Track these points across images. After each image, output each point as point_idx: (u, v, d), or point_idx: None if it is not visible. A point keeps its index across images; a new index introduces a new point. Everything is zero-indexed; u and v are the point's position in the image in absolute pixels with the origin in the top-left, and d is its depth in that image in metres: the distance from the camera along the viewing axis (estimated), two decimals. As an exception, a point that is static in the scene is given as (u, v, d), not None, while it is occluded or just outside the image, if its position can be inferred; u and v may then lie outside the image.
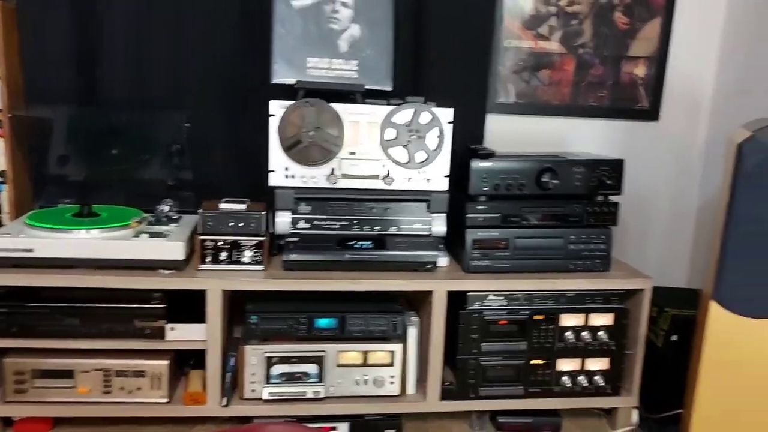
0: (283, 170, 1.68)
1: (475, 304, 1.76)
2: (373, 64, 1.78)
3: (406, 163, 1.72)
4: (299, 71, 1.73)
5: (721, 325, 1.69)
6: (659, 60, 2.23)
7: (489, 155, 1.78)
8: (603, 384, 1.82)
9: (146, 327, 1.64)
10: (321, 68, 1.75)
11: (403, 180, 1.73)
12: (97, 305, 1.63)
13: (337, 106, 1.66)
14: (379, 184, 1.72)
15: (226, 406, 1.68)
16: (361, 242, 1.73)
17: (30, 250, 1.58)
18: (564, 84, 2.21)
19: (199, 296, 1.62)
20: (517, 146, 2.09)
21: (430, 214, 1.75)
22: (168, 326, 1.65)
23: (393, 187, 1.72)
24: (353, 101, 1.71)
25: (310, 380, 1.71)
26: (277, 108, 1.65)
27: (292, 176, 1.68)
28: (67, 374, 1.64)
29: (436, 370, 1.75)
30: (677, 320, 2.00)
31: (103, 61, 1.93)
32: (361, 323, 1.72)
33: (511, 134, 2.19)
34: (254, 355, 1.68)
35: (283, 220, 1.69)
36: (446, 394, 1.77)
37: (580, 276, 1.80)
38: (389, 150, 1.70)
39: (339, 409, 1.73)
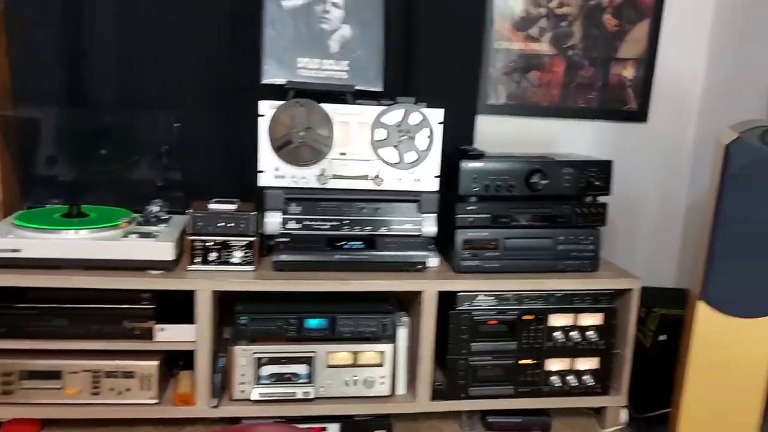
0: (273, 170, 1.67)
1: (465, 305, 1.77)
2: (364, 64, 1.78)
3: (397, 163, 1.72)
4: (289, 71, 1.73)
5: (708, 325, 1.70)
6: (648, 61, 2.24)
7: (479, 156, 1.79)
8: (592, 383, 1.83)
9: (135, 328, 1.63)
10: (311, 69, 1.75)
11: (394, 180, 1.73)
12: (85, 306, 1.62)
13: (328, 107, 1.66)
14: (369, 185, 1.72)
15: (215, 406, 1.68)
16: (351, 243, 1.73)
17: (18, 251, 1.57)
18: (553, 85, 2.22)
19: (188, 297, 1.61)
20: (507, 147, 2.09)
21: (421, 214, 1.75)
22: (157, 327, 1.64)
23: (383, 187, 1.72)
24: (343, 102, 1.71)
25: (299, 381, 1.70)
26: (267, 108, 1.64)
27: (282, 176, 1.68)
28: (56, 375, 1.63)
29: (427, 371, 1.76)
30: (665, 320, 2.01)
31: (92, 62, 1.92)
32: (351, 324, 1.72)
33: (501, 135, 2.19)
34: (244, 355, 1.67)
35: (273, 221, 1.69)
36: (436, 395, 1.78)
37: (569, 276, 1.81)
38: (379, 150, 1.71)
39: (329, 410, 1.73)
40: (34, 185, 1.91)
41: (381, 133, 1.70)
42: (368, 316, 1.72)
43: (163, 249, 1.63)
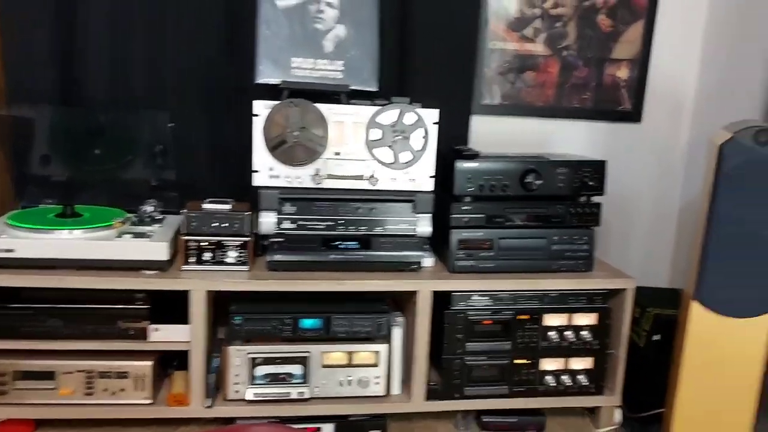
0: (267, 170, 1.67)
1: (460, 304, 1.77)
2: (358, 64, 1.78)
3: (391, 163, 1.72)
4: (284, 71, 1.73)
5: (702, 324, 1.71)
6: (642, 62, 2.25)
7: (474, 156, 1.79)
8: (586, 383, 1.83)
9: (129, 328, 1.63)
10: (306, 68, 1.75)
11: (388, 180, 1.73)
12: (79, 306, 1.62)
13: (322, 107, 1.66)
14: (364, 185, 1.72)
15: (210, 407, 1.67)
16: (346, 243, 1.73)
17: (11, 251, 1.57)
18: (548, 86, 2.22)
19: (182, 297, 1.61)
20: (502, 147, 2.10)
21: (416, 214, 1.75)
22: (151, 327, 1.64)
23: (378, 187, 1.73)
24: (338, 101, 1.71)
25: (294, 381, 1.70)
26: (261, 108, 1.64)
27: (277, 176, 1.68)
28: (49, 375, 1.62)
29: (421, 370, 1.76)
30: (659, 320, 2.02)
31: (86, 61, 1.92)
32: (346, 324, 1.72)
33: (496, 135, 2.20)
34: (238, 356, 1.67)
35: (267, 221, 1.69)
36: (431, 394, 1.78)
37: (564, 276, 1.81)
38: (374, 150, 1.71)
39: (324, 410, 1.73)
40: (28, 185, 1.90)
41: (376, 133, 1.70)
42: (363, 316, 1.72)
43: (157, 249, 1.62)
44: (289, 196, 1.69)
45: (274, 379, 1.69)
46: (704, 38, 2.28)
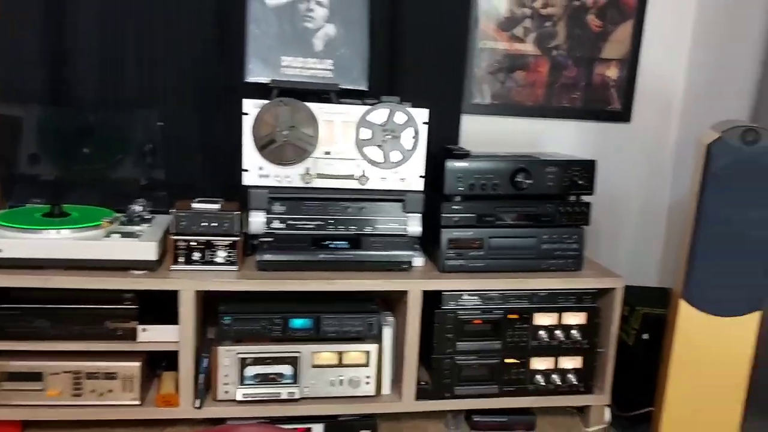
0: (257, 170, 1.67)
1: (450, 304, 1.77)
2: (348, 63, 1.77)
3: (381, 163, 1.72)
4: (273, 70, 1.72)
5: (690, 323, 1.72)
6: (631, 62, 2.26)
7: (464, 155, 1.79)
8: (576, 382, 1.84)
9: (118, 328, 1.62)
10: (295, 67, 1.74)
11: (378, 180, 1.73)
12: (67, 306, 1.60)
13: (312, 106, 1.66)
14: (354, 184, 1.72)
15: (199, 407, 1.67)
16: (336, 242, 1.73)
17: (-2, 251, 1.56)
18: (538, 85, 2.23)
19: (171, 297, 1.60)
20: (492, 147, 2.10)
21: (406, 214, 1.75)
22: (140, 327, 1.63)
23: (368, 186, 1.72)
24: (328, 100, 1.71)
25: (284, 381, 1.70)
26: (250, 107, 1.64)
27: (267, 176, 1.67)
28: (37, 377, 1.61)
29: (412, 370, 1.76)
30: (648, 319, 2.02)
31: (76, 60, 1.90)
32: (336, 323, 1.71)
33: (486, 135, 2.20)
34: (228, 356, 1.67)
35: (257, 220, 1.68)
36: (421, 394, 1.78)
37: (553, 275, 1.82)
38: (364, 150, 1.70)
39: (314, 410, 1.72)
40: (16, 184, 1.88)
41: (366, 133, 1.70)
42: (353, 316, 1.72)
43: (145, 249, 1.61)
44: (278, 195, 1.69)
45: (264, 379, 1.69)
46: (692, 38, 2.29)
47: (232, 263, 1.67)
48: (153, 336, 1.64)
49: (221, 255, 1.66)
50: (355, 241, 1.74)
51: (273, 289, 1.65)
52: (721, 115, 1.83)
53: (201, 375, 1.67)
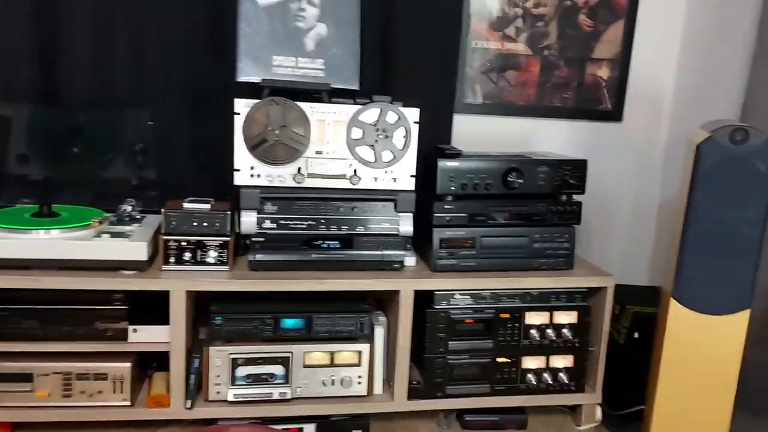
0: (248, 169, 1.66)
1: (442, 303, 1.77)
2: (340, 63, 1.77)
3: (373, 162, 1.72)
4: (265, 69, 1.72)
5: (680, 322, 1.73)
6: (622, 62, 2.27)
7: (456, 155, 1.79)
8: (567, 381, 1.85)
9: (108, 329, 1.61)
10: (287, 67, 1.74)
11: (370, 179, 1.73)
12: (57, 307, 1.59)
13: (303, 105, 1.66)
14: (345, 184, 1.72)
15: (190, 408, 1.66)
16: (328, 242, 1.73)
17: (-14, 251, 1.54)
18: (530, 85, 2.23)
19: (162, 297, 1.60)
20: (484, 146, 2.10)
21: (397, 213, 1.75)
22: (130, 328, 1.63)
23: (360, 186, 1.72)
24: (319, 100, 1.70)
25: (276, 381, 1.69)
26: (242, 106, 1.63)
27: (258, 175, 1.67)
28: (26, 378, 1.60)
29: (404, 370, 1.76)
30: (639, 317, 2.03)
31: (65, 59, 1.89)
32: (328, 323, 1.71)
33: (478, 134, 2.20)
34: (219, 356, 1.66)
35: (248, 220, 1.68)
36: (413, 394, 1.78)
37: (545, 274, 1.82)
38: (356, 149, 1.70)
39: (306, 410, 1.72)
40: (5, 184, 1.87)
41: (357, 132, 1.70)
42: (345, 316, 1.72)
43: (136, 249, 1.60)
44: (270, 195, 1.68)
45: (256, 379, 1.68)
46: (683, 39, 2.30)
47: (223, 263, 1.66)
48: (144, 336, 1.63)
49: (212, 255, 1.66)
50: (347, 241, 1.73)
51: (264, 289, 1.65)
52: (710, 115, 1.84)
53: (192, 375, 1.66)
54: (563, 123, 2.28)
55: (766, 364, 1.91)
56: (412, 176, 1.74)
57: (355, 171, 1.71)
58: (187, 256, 1.64)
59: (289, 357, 1.69)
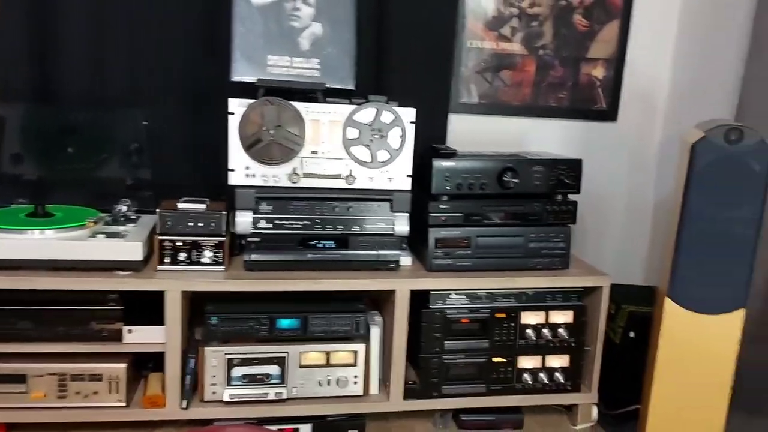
0: (243, 169, 1.66)
1: (438, 303, 1.77)
2: (335, 62, 1.77)
3: (369, 162, 1.72)
4: (260, 69, 1.71)
5: (675, 321, 1.73)
6: (617, 62, 2.27)
7: (451, 155, 1.79)
8: (563, 381, 1.85)
9: (103, 329, 1.61)
10: (282, 66, 1.73)
11: (366, 179, 1.72)
12: (51, 307, 1.59)
13: (299, 105, 1.65)
14: (341, 184, 1.71)
15: (186, 408, 1.66)
16: (323, 242, 1.73)
17: (-20, 252, 1.54)
18: (525, 85, 2.24)
19: (158, 298, 1.59)
20: (479, 146, 2.10)
21: (393, 213, 1.75)
22: (125, 329, 1.62)
23: (355, 186, 1.72)
24: (314, 100, 1.70)
25: (272, 381, 1.69)
26: (236, 106, 1.63)
27: (253, 175, 1.66)
28: (20, 379, 1.59)
29: (400, 370, 1.76)
30: (634, 317, 2.04)
31: (60, 58, 1.88)
32: (324, 323, 1.71)
33: (474, 134, 2.20)
34: (215, 356, 1.66)
35: (243, 220, 1.67)
36: (409, 393, 1.78)
37: (540, 274, 1.83)
38: (351, 149, 1.70)
39: (302, 410, 1.72)
40: (-1, 184, 1.87)
41: (353, 132, 1.70)
42: (341, 316, 1.72)
43: (131, 249, 1.60)
44: (265, 195, 1.68)
45: (252, 379, 1.68)
46: (677, 39, 2.30)
47: (218, 263, 1.66)
48: (139, 337, 1.63)
49: (208, 255, 1.65)
50: (343, 241, 1.73)
51: (260, 289, 1.65)
52: (705, 115, 1.84)
53: (188, 376, 1.66)
54: (558, 122, 2.29)
55: (761, 363, 1.92)
56: (408, 176, 1.74)
57: (350, 171, 1.71)
58: (183, 256, 1.64)
59: (284, 357, 1.69)
